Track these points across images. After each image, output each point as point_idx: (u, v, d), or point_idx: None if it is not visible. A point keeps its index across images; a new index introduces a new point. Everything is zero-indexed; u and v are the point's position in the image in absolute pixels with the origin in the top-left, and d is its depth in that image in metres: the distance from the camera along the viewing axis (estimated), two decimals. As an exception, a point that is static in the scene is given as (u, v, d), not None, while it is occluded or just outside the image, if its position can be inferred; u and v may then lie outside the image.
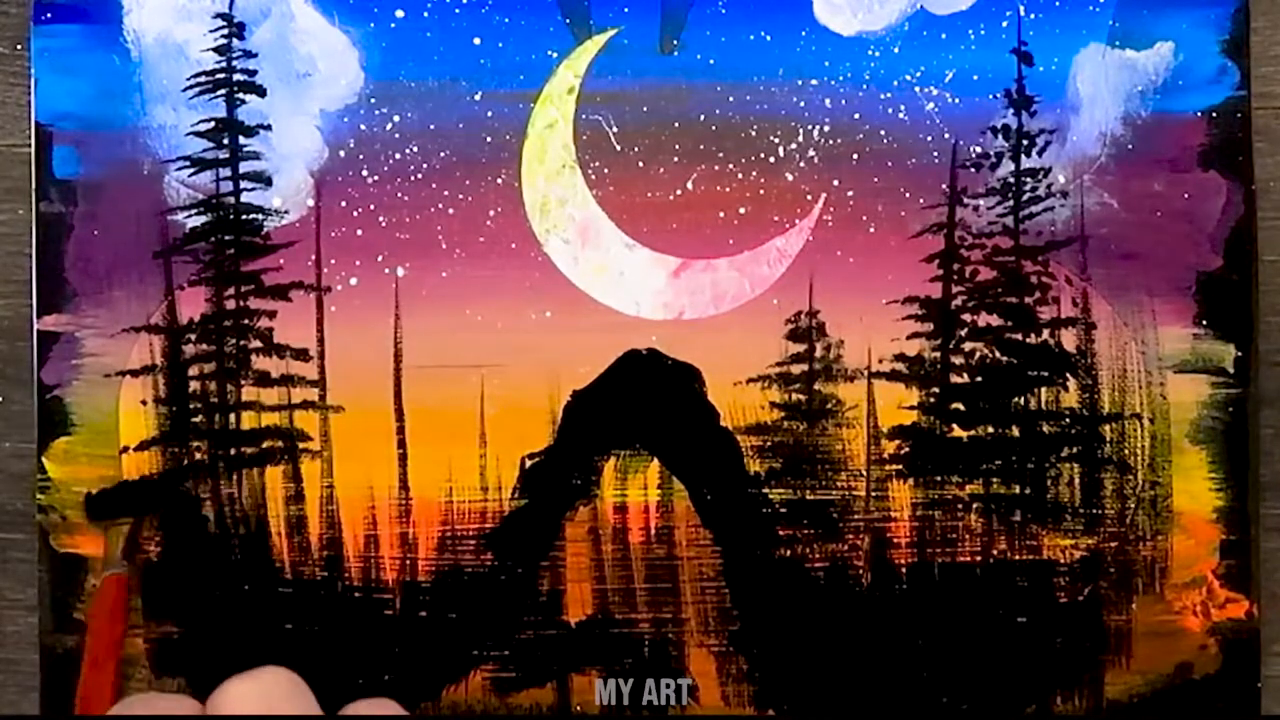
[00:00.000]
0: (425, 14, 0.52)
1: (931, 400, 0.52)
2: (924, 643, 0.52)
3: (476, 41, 0.52)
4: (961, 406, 0.52)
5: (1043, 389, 0.52)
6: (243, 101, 0.52)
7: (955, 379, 0.52)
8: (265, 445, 0.52)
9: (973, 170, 0.52)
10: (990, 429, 0.52)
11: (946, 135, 0.52)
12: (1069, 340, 0.52)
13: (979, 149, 0.52)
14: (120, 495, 0.51)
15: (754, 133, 0.52)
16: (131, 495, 0.51)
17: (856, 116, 0.52)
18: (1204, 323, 0.52)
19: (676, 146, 0.52)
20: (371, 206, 0.52)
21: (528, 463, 0.52)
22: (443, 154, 0.52)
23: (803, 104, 0.52)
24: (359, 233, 0.52)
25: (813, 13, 0.52)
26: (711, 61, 0.52)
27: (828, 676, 0.52)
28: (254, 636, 0.52)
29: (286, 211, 0.52)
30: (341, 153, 0.52)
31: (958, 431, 0.52)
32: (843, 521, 0.52)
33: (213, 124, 0.52)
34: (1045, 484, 0.52)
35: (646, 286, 0.52)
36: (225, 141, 0.52)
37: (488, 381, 0.52)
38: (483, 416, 0.52)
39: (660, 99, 0.52)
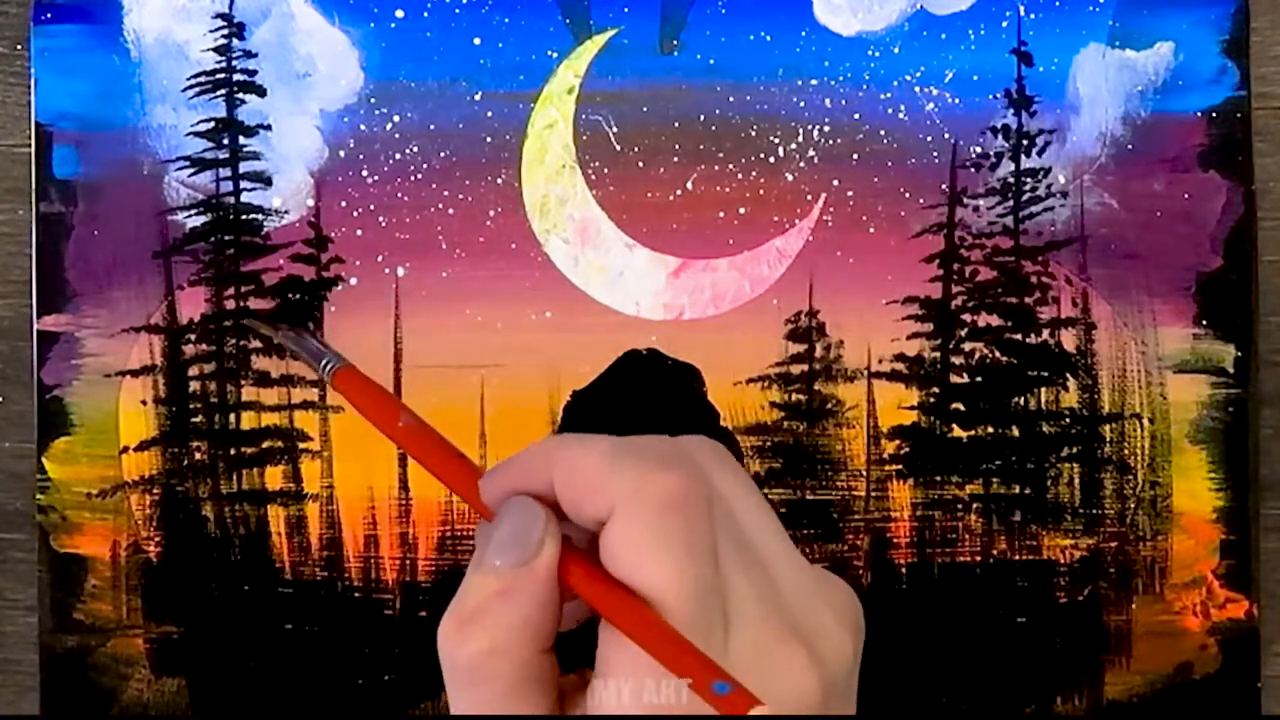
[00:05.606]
0: (425, 14, 0.52)
1: (931, 400, 0.52)
2: (924, 643, 0.52)
3: (476, 41, 0.52)
4: (961, 406, 0.52)
5: (1043, 389, 0.52)
6: (243, 101, 0.52)
7: (955, 379, 0.52)
8: (265, 445, 0.52)
9: (973, 170, 0.52)
10: (990, 429, 0.52)
11: (946, 135, 0.52)
12: (1069, 340, 0.52)
13: (979, 149, 0.52)
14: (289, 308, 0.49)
15: (754, 133, 0.52)
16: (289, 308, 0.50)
17: (856, 116, 0.52)
18: (1204, 323, 0.52)
19: (676, 146, 0.52)
20: (371, 206, 0.52)
21: (528, 463, 0.52)
22: (443, 154, 0.52)
23: (803, 104, 0.52)
24: (359, 233, 0.52)
25: (813, 13, 0.52)
26: (711, 61, 0.52)
27: (828, 676, 0.51)
28: (254, 636, 0.52)
29: (286, 211, 0.52)
30: (341, 153, 0.52)
31: (958, 431, 0.52)
32: (843, 521, 0.52)
33: (213, 124, 0.52)
34: (1045, 484, 0.52)
35: (646, 286, 0.52)
36: (225, 141, 0.52)
37: (488, 381, 0.52)
38: (483, 416, 0.52)
39: (660, 99, 0.52)
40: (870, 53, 0.52)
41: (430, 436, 0.35)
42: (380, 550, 0.52)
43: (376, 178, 0.52)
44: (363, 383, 0.38)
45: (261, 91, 0.52)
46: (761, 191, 0.52)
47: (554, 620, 0.30)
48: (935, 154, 0.52)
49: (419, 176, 0.52)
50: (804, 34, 0.52)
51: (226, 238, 0.52)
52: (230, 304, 0.52)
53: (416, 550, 0.52)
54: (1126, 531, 0.52)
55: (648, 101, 0.52)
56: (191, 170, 0.52)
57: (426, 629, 0.52)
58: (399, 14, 0.52)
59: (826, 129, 0.52)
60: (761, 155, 0.52)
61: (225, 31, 0.52)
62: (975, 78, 0.52)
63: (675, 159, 0.52)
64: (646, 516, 0.28)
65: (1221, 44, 0.51)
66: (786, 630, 0.29)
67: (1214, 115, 0.52)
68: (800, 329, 0.52)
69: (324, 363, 0.40)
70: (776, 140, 0.52)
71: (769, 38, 0.52)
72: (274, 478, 0.52)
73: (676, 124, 0.52)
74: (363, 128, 0.52)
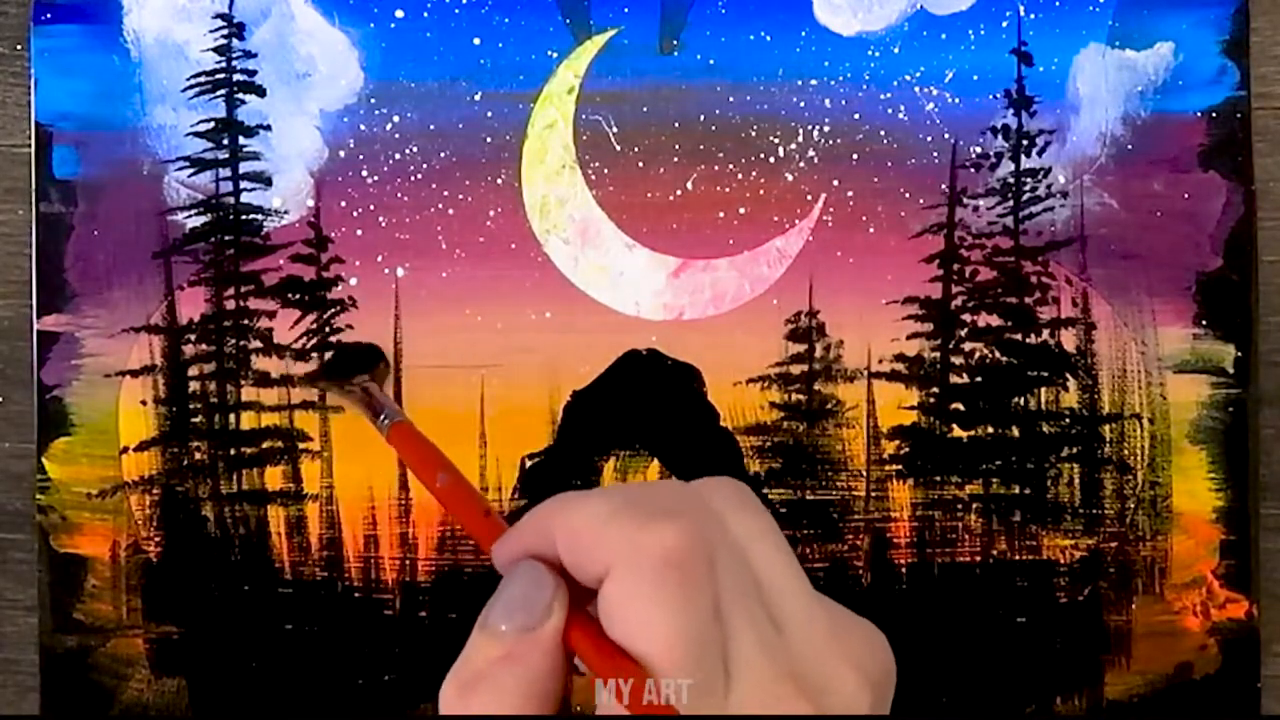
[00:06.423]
0: (425, 14, 0.52)
1: (931, 400, 0.52)
2: (924, 643, 0.52)
3: (476, 41, 0.52)
4: (961, 406, 0.52)
5: (1043, 389, 0.52)
6: (243, 101, 0.52)
7: (955, 379, 0.52)
8: (265, 445, 0.52)
9: (973, 170, 0.52)
10: (990, 429, 0.52)
11: (946, 135, 0.52)
12: (1069, 340, 0.52)
13: (979, 149, 0.52)
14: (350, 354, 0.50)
15: (754, 133, 0.52)
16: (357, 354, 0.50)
17: (856, 116, 0.52)
18: (1204, 323, 0.52)
19: (676, 146, 0.52)
20: (371, 206, 0.52)
21: (528, 463, 0.52)
22: (443, 154, 0.52)
23: (803, 104, 0.52)
24: (359, 233, 0.52)
25: (813, 13, 0.52)
26: (711, 61, 0.52)
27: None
28: (254, 636, 0.52)
29: (286, 211, 0.52)
30: (341, 153, 0.52)
31: (958, 431, 0.52)
32: (843, 521, 0.52)
33: (213, 124, 0.52)
34: (1045, 484, 0.52)
35: (646, 286, 0.52)
36: (225, 141, 0.52)
37: (488, 381, 0.52)
38: (483, 416, 0.52)
39: (660, 99, 0.52)
40: (870, 53, 0.52)
41: (467, 496, 0.36)
42: (380, 550, 0.52)
43: (376, 178, 0.52)
44: (416, 437, 0.40)
45: (261, 91, 0.52)
46: (761, 191, 0.52)
47: (558, 687, 0.29)
48: (935, 154, 0.52)
49: (419, 176, 0.52)
50: (804, 34, 0.52)
51: (226, 238, 0.52)
52: (230, 304, 0.52)
53: (416, 550, 0.52)
54: (1126, 531, 0.52)
55: (648, 101, 0.52)
56: (191, 170, 0.52)
57: (426, 629, 0.52)
58: (399, 14, 0.52)
59: (826, 129, 0.52)
60: (761, 155, 0.52)
61: (225, 31, 0.52)
62: (975, 78, 0.52)
63: (675, 159, 0.52)
64: (641, 574, 0.28)
65: (1221, 44, 0.51)
66: (792, 684, 0.28)
67: (1214, 115, 0.52)
68: (800, 329, 0.52)
69: (382, 417, 0.42)
70: (776, 140, 0.52)
71: (769, 38, 0.52)
72: (274, 478, 0.52)
73: (676, 124, 0.52)
74: (363, 128, 0.52)
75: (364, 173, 0.52)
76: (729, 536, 0.29)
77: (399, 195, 0.52)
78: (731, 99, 0.52)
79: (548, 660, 0.29)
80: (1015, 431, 0.52)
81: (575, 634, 0.29)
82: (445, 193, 0.52)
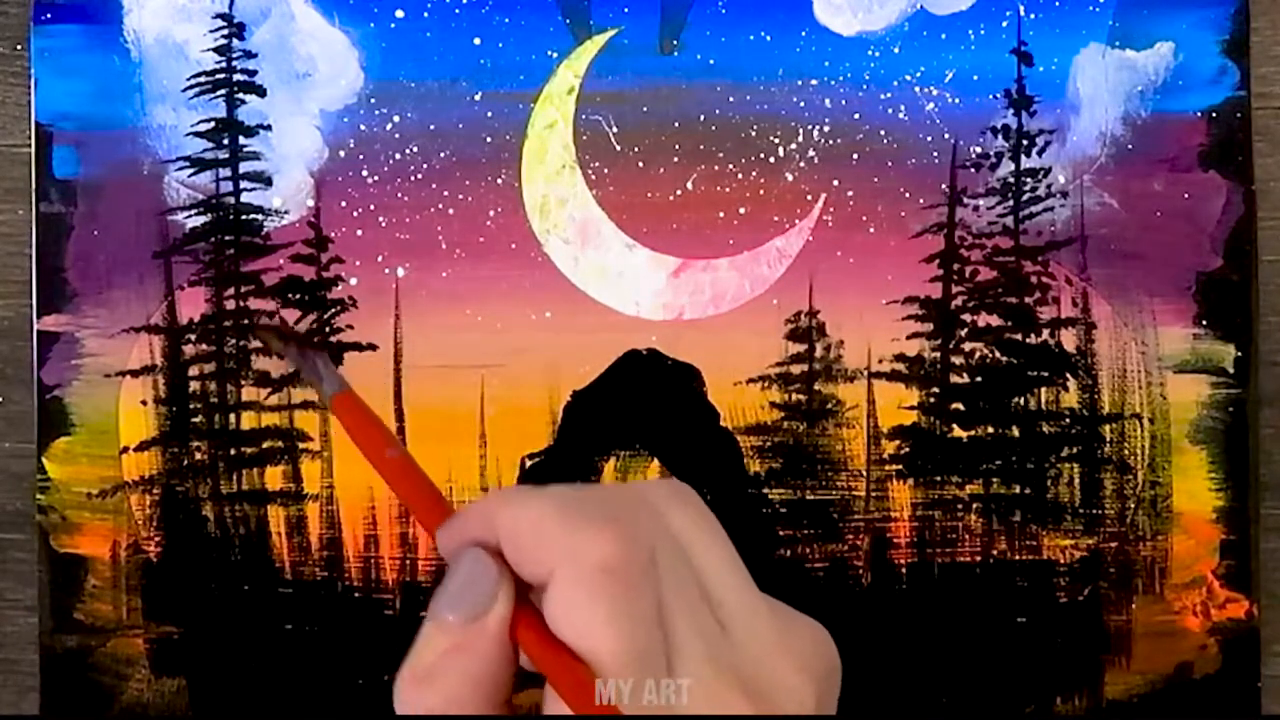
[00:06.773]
0: (425, 14, 0.52)
1: (931, 400, 0.52)
2: (924, 643, 0.52)
3: (476, 41, 0.52)
4: (961, 406, 0.52)
5: (1043, 389, 0.52)
6: (243, 101, 0.52)
7: (955, 379, 0.52)
8: (265, 445, 0.52)
9: (973, 170, 0.52)
10: (990, 429, 0.52)
11: (946, 135, 0.52)
12: (1069, 340, 0.52)
13: (979, 149, 0.52)
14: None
15: (754, 133, 0.52)
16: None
17: (856, 116, 0.52)
18: (1204, 323, 0.52)
19: (676, 146, 0.52)
20: (371, 206, 0.52)
21: (528, 463, 0.52)
22: (443, 154, 0.52)
23: (803, 104, 0.52)
24: (359, 233, 0.52)
25: (813, 13, 0.52)
26: (711, 61, 0.52)
27: (828, 676, 0.52)
28: (254, 636, 0.52)
29: (286, 211, 0.52)
30: (341, 153, 0.52)
31: (958, 431, 0.52)
32: (843, 521, 0.52)
33: (213, 124, 0.52)
34: (1045, 484, 0.52)
35: (646, 286, 0.52)
36: (225, 141, 0.52)
37: (488, 381, 0.52)
38: (483, 416, 0.52)
39: (660, 99, 0.52)
40: (870, 53, 0.52)
41: (414, 473, 0.36)
42: (380, 550, 0.52)
43: (376, 178, 0.52)
44: (360, 409, 0.40)
45: (261, 91, 0.52)
46: (761, 191, 0.52)
47: (508, 677, 0.29)
48: (935, 154, 0.52)
49: (419, 176, 0.52)
50: (804, 34, 0.52)
51: (226, 238, 0.52)
52: (230, 304, 0.52)
53: (416, 550, 0.52)
54: (1126, 531, 0.52)
55: (648, 101, 0.52)
56: (191, 170, 0.52)
57: (426, 629, 0.52)
58: (399, 14, 0.52)
59: (826, 129, 0.52)
60: (761, 155, 0.52)
61: (225, 31, 0.52)
62: (975, 78, 0.52)
63: (675, 159, 0.52)
64: (583, 581, 0.28)
65: (1221, 44, 0.51)
66: (738, 686, 0.28)
67: (1214, 115, 0.52)
68: (800, 329, 0.52)
69: (325, 385, 0.41)
70: (776, 140, 0.52)
71: (769, 38, 0.52)
72: (274, 478, 0.52)
73: (676, 124, 0.52)
74: (363, 128, 0.52)
75: (364, 173, 0.52)
76: (671, 539, 0.29)
77: (399, 195, 0.52)
78: (731, 99, 0.52)
79: (495, 650, 0.29)
80: (1015, 431, 0.52)
81: (521, 628, 0.30)
82: (445, 193, 0.52)
